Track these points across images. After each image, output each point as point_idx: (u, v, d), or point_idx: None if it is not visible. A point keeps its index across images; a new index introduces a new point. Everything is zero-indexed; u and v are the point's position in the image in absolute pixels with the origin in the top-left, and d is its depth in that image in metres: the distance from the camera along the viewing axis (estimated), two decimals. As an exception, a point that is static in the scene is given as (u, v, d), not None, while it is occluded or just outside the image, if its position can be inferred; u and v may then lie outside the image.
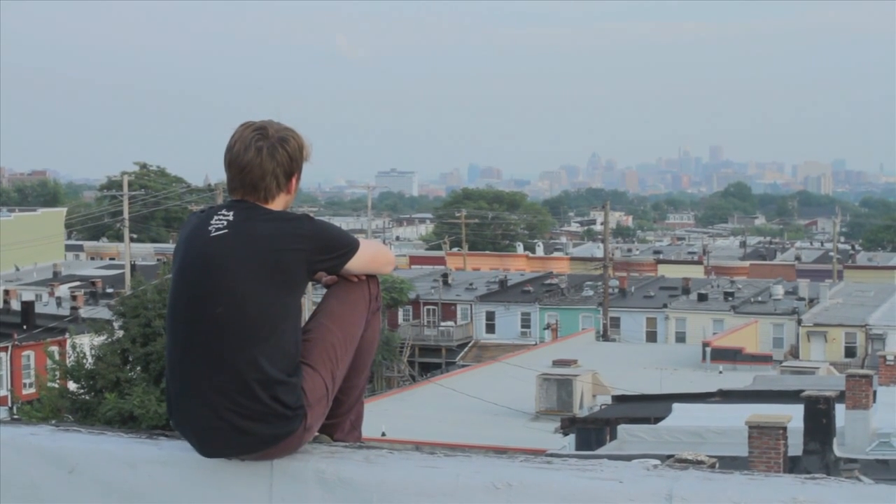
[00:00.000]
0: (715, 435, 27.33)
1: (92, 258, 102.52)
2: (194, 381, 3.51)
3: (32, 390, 44.57)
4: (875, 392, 28.55)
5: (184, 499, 3.55)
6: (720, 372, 48.00)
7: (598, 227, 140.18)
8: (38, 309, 59.49)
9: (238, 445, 3.49)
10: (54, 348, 43.44)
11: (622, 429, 29.52)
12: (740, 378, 43.30)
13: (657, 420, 30.34)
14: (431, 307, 72.73)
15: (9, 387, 49.99)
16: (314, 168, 3.77)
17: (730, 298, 70.53)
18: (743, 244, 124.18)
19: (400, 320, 70.48)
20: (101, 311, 51.17)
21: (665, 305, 70.03)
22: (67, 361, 35.12)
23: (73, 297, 64.63)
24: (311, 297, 40.02)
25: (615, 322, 68.31)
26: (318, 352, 3.59)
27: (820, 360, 55.57)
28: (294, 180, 3.65)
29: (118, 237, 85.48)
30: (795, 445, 24.92)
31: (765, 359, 53.24)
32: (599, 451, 28.06)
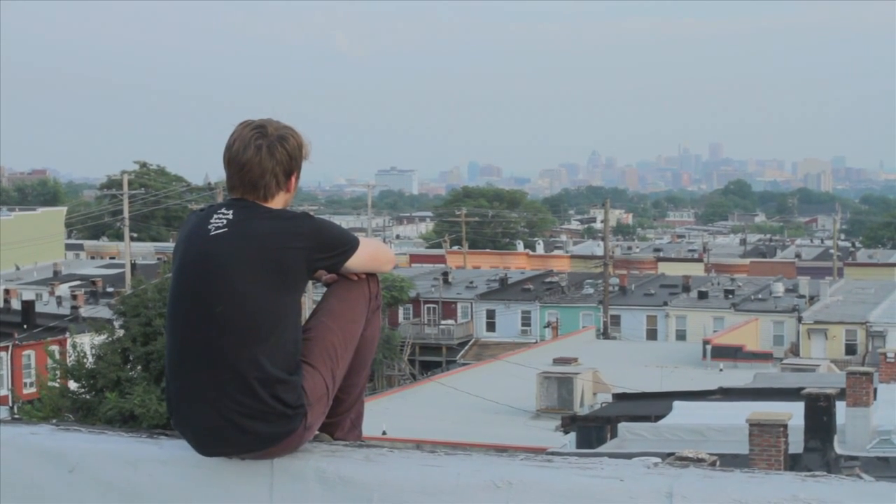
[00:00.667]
0: (715, 433, 27.34)
1: (92, 257, 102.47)
2: (194, 380, 3.51)
3: (33, 390, 44.54)
4: (876, 389, 28.54)
5: (184, 498, 3.55)
6: (721, 370, 48.03)
7: (598, 225, 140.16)
8: (39, 308, 59.54)
9: (238, 444, 3.49)
10: (55, 348, 43.39)
11: (623, 427, 29.54)
12: (741, 376, 43.31)
13: (658, 418, 30.34)
14: (432, 305, 72.73)
15: (9, 386, 50.00)
16: (314, 166, 3.76)
17: (730, 296, 70.55)
18: (743, 242, 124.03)
19: (400, 319, 70.48)
20: (102, 311, 51.25)
21: (665, 303, 70.03)
22: (68, 361, 35.15)
23: (74, 297, 64.70)
24: (312, 296, 39.97)
25: (615, 320, 68.32)
26: (319, 350, 3.58)
27: (820, 357, 55.49)
28: (294, 179, 3.63)
29: (118, 236, 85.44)
30: (796, 443, 24.94)
31: (765, 356, 53.34)
32: (600, 450, 28.07)
